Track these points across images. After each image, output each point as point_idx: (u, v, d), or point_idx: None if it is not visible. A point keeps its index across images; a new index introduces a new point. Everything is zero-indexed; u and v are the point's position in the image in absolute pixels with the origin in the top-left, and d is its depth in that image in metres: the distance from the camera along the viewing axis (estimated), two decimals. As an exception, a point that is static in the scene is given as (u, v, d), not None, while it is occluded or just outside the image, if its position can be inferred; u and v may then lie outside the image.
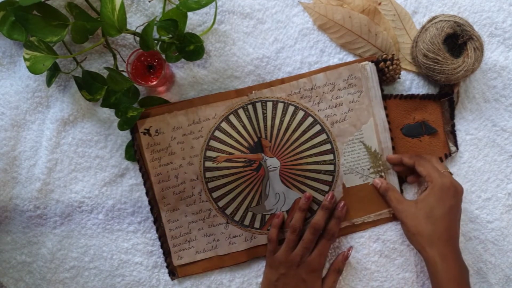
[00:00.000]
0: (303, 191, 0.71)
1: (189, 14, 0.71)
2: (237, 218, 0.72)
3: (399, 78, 0.72)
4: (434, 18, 0.70)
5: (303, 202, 0.70)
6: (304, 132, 0.71)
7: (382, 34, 0.72)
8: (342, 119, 0.71)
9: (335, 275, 0.69)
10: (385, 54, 0.71)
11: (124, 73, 0.67)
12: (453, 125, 0.72)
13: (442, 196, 0.63)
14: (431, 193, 0.64)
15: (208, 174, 0.71)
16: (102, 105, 0.70)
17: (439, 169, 0.66)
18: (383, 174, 0.71)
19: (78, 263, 0.74)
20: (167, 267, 0.73)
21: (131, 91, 0.70)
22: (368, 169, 0.71)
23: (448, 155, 0.72)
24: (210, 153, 0.71)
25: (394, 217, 0.72)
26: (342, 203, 0.70)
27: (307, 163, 0.71)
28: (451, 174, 0.67)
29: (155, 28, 0.68)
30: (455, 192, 0.64)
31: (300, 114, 0.71)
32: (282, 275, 0.67)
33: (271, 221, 0.71)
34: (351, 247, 0.71)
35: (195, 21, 0.73)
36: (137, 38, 0.67)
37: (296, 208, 0.70)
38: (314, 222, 0.68)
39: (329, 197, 0.69)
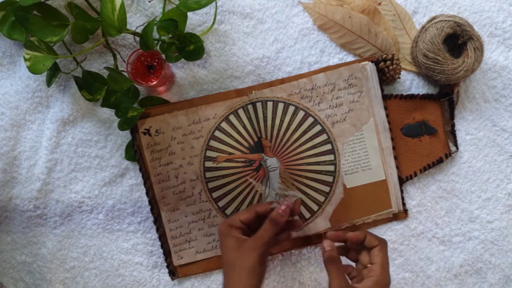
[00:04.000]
0: (303, 192, 0.71)
1: (189, 14, 0.71)
2: (237, 218, 0.72)
3: (399, 78, 0.72)
4: (434, 18, 0.70)
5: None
6: (305, 132, 0.71)
7: (382, 34, 0.72)
8: (342, 119, 0.71)
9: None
10: (385, 54, 0.71)
11: (124, 73, 0.67)
12: (453, 125, 0.72)
13: None
14: None
15: (208, 174, 0.71)
16: (102, 105, 0.70)
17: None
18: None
19: (78, 263, 0.74)
20: (167, 267, 0.73)
21: (131, 91, 0.70)
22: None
23: (448, 155, 0.72)
24: (210, 153, 0.71)
25: (394, 217, 0.72)
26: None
27: (308, 164, 0.71)
28: None
29: (155, 28, 0.68)
30: None
31: (301, 114, 0.71)
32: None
33: None
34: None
35: (195, 21, 0.72)
36: (137, 38, 0.67)
37: (296, 208, 0.69)
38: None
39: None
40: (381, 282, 0.58)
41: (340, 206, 0.71)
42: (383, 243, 0.60)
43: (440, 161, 0.72)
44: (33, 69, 0.63)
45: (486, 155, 0.74)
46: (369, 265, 0.60)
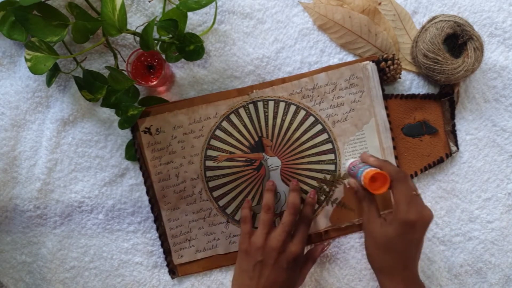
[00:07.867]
0: (304, 190, 0.71)
1: (189, 14, 0.71)
2: (237, 217, 0.72)
3: (399, 77, 0.72)
4: (434, 18, 0.70)
5: (270, 184, 0.68)
6: (305, 131, 0.71)
7: (382, 34, 0.72)
8: (343, 118, 0.71)
9: (311, 264, 0.68)
10: (386, 54, 0.71)
11: (124, 73, 0.67)
12: (454, 125, 0.72)
13: (404, 232, 0.58)
14: (392, 226, 0.58)
15: (208, 173, 0.71)
16: (102, 105, 0.70)
17: (409, 197, 0.59)
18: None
19: (78, 263, 0.74)
20: (167, 265, 0.73)
21: (131, 91, 0.70)
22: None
23: (448, 154, 0.72)
24: (210, 152, 0.71)
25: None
26: (313, 192, 0.69)
27: (308, 163, 0.71)
28: (420, 198, 0.61)
29: (155, 28, 0.68)
30: (421, 226, 0.58)
31: (302, 113, 0.71)
32: (259, 263, 0.61)
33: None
34: (329, 242, 0.72)
35: (195, 21, 0.73)
36: (137, 38, 0.67)
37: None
38: (291, 202, 0.65)
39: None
40: (399, 220, 0.58)
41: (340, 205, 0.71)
42: (396, 180, 0.59)
43: (440, 160, 0.72)
44: (34, 70, 0.63)
45: (486, 155, 0.74)
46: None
